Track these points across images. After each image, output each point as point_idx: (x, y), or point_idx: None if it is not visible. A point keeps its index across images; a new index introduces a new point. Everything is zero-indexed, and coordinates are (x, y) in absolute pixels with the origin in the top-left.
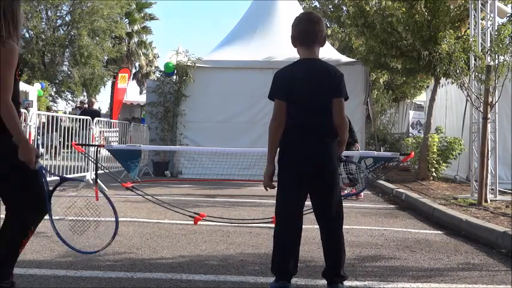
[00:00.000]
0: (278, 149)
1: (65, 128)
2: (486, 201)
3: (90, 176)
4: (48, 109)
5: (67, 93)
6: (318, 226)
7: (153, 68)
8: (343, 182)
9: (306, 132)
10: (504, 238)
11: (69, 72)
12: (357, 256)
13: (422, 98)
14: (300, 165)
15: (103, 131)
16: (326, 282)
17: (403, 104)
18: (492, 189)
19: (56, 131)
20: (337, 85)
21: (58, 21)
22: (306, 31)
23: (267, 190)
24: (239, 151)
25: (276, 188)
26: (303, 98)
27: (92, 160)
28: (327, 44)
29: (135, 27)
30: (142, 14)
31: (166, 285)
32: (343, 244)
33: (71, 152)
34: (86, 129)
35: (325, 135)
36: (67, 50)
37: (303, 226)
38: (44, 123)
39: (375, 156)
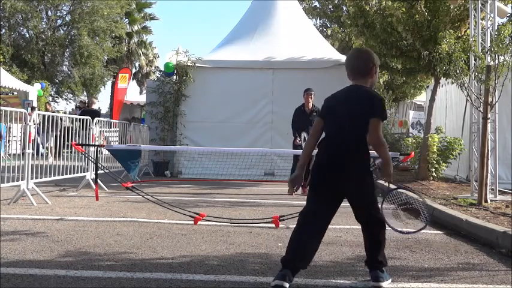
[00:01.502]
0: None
1: (64, 128)
2: (486, 201)
3: (90, 176)
4: (48, 105)
5: (67, 93)
6: None
7: (153, 68)
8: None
9: (333, 149)
10: (504, 238)
11: (69, 72)
12: (357, 256)
13: (422, 98)
14: (324, 178)
15: (103, 131)
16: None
17: (403, 104)
18: (492, 189)
19: (52, 131)
20: (373, 106)
21: (58, 21)
22: (349, 66)
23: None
24: (239, 151)
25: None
26: (339, 116)
27: (92, 160)
28: (327, 44)
29: (135, 27)
30: (142, 14)
31: (166, 285)
32: (383, 240)
33: (71, 152)
34: (86, 129)
35: (350, 153)
36: (67, 50)
37: None
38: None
39: (375, 156)
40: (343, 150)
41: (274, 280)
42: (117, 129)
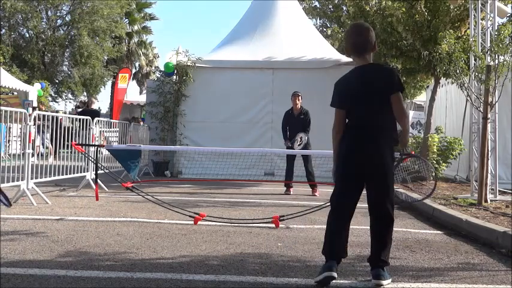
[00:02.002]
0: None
1: (64, 128)
2: (486, 201)
3: (90, 176)
4: (41, 104)
5: (67, 93)
6: (318, 226)
7: (153, 68)
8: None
9: (360, 137)
10: (504, 238)
11: (69, 72)
12: (357, 256)
13: (422, 98)
14: (352, 165)
15: (103, 131)
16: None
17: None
18: (492, 189)
19: (48, 131)
20: (391, 82)
21: (58, 21)
22: (356, 43)
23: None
24: (239, 151)
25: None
26: (359, 103)
27: (92, 160)
28: (327, 44)
29: (135, 27)
30: (142, 14)
31: (166, 285)
32: (390, 239)
33: (71, 152)
34: (85, 129)
35: (380, 135)
36: (67, 50)
37: (304, 226)
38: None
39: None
40: (374, 133)
41: (321, 273)
42: (117, 129)
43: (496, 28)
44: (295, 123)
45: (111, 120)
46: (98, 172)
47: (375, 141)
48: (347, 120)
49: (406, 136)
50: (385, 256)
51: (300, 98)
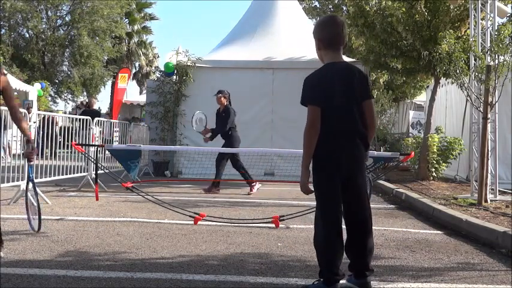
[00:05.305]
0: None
1: (64, 128)
2: (486, 201)
3: (90, 176)
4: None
5: (67, 93)
6: None
7: (153, 68)
8: None
9: (342, 137)
10: (504, 238)
11: (69, 72)
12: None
13: (422, 98)
14: (338, 169)
15: (103, 131)
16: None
17: (403, 104)
18: (492, 189)
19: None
20: (366, 87)
21: (58, 21)
22: (339, 35)
23: (307, 194)
24: (239, 151)
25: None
26: (337, 103)
27: (92, 160)
28: None
29: (135, 27)
30: (142, 14)
31: (166, 285)
32: (372, 240)
33: (71, 152)
34: (85, 129)
35: (358, 138)
36: (67, 50)
37: (304, 226)
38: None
39: (374, 156)
40: (355, 136)
41: None
42: (117, 129)
43: (496, 28)
44: (218, 120)
45: (111, 120)
46: (98, 172)
47: (356, 144)
48: (323, 124)
49: (369, 146)
50: (370, 261)
51: (221, 97)
